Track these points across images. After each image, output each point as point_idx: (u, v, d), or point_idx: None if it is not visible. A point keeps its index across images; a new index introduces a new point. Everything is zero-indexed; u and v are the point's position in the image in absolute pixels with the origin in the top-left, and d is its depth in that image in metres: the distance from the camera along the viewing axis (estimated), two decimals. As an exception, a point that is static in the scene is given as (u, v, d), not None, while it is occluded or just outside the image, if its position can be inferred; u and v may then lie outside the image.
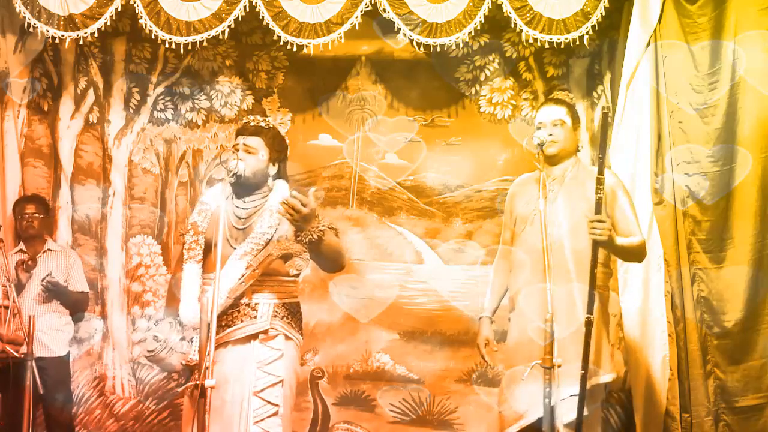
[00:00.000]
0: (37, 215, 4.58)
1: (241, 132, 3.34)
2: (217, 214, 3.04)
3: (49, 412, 4.47)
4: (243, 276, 3.15)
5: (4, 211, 4.71)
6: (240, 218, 3.27)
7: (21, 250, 4.60)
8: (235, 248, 3.20)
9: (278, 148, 3.34)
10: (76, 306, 4.66)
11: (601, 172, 3.03)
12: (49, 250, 4.63)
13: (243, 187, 3.27)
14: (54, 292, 4.47)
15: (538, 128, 3.47)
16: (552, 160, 3.42)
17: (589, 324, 3.02)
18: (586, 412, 3.12)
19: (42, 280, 4.42)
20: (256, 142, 3.28)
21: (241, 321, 3.17)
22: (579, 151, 3.54)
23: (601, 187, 3.04)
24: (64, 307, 4.59)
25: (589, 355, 3.05)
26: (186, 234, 3.34)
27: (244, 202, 3.30)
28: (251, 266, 3.16)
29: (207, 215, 3.32)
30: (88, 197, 4.92)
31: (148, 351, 3.16)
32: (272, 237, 3.19)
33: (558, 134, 3.40)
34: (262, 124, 3.35)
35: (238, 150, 3.26)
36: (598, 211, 3.09)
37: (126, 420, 4.82)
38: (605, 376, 3.29)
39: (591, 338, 3.04)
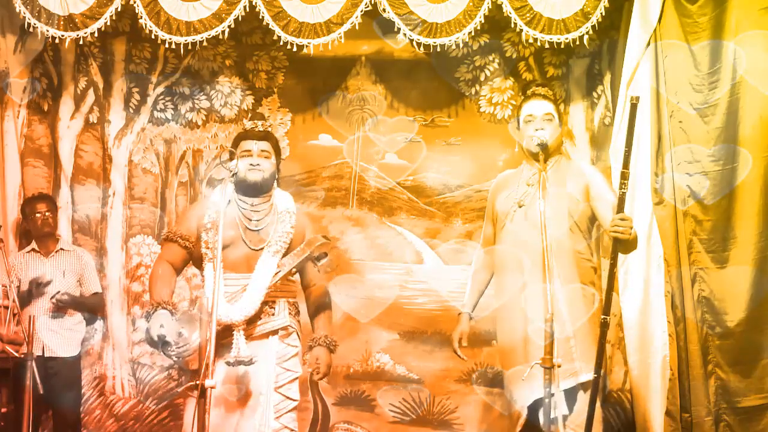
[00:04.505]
0: (50, 213, 4.57)
1: (248, 137, 3.37)
2: (227, 215, 3.09)
3: (58, 413, 4.47)
4: (278, 275, 3.25)
5: (4, 211, 4.70)
6: (252, 220, 3.32)
7: (33, 249, 4.59)
8: (255, 249, 3.28)
9: (279, 151, 3.49)
10: (91, 309, 4.67)
11: (626, 165, 2.90)
12: (61, 249, 4.61)
13: (255, 190, 3.34)
14: (67, 305, 4.48)
15: (527, 122, 3.40)
16: (538, 157, 3.27)
17: (604, 325, 2.92)
18: (575, 409, 3.12)
19: (51, 298, 4.41)
20: (268, 146, 3.39)
21: (260, 318, 3.22)
22: (561, 148, 3.51)
23: (626, 182, 2.91)
24: (79, 312, 4.59)
25: (603, 357, 2.98)
26: (207, 232, 3.31)
27: (253, 205, 3.34)
28: (284, 265, 3.25)
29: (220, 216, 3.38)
30: (88, 197, 4.92)
31: (168, 349, 3.08)
32: (293, 237, 3.32)
33: (549, 129, 3.34)
34: (269, 128, 3.44)
35: (251, 155, 3.33)
36: (620, 208, 2.97)
37: (126, 420, 4.82)
38: (585, 375, 3.18)
39: (605, 341, 2.96)
